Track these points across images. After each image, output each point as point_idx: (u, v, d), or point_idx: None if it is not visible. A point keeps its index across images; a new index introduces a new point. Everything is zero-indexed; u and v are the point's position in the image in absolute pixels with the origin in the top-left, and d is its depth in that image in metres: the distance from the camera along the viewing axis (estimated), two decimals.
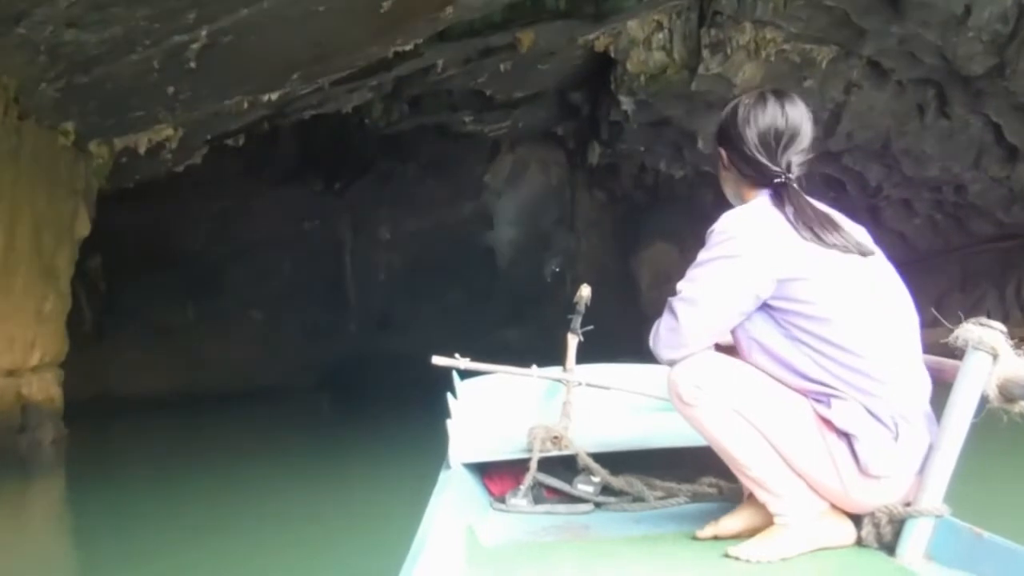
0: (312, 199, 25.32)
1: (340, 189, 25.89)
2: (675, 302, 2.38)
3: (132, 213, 21.83)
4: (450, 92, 18.19)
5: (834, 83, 16.01)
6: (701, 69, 15.54)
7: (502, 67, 16.22)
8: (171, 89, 11.30)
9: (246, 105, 13.01)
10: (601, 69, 17.04)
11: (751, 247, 2.30)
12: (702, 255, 2.36)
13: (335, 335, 27.05)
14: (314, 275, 26.05)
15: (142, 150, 12.93)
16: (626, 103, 16.59)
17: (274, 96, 12.98)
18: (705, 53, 15.31)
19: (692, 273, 2.38)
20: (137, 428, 20.50)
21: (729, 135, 2.52)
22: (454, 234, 29.13)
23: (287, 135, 24.07)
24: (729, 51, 15.18)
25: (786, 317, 2.31)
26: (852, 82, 15.99)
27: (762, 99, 2.50)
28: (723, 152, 2.54)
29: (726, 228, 2.36)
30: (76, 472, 13.52)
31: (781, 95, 2.50)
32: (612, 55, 15.96)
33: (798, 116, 2.46)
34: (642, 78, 16.05)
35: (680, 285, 2.38)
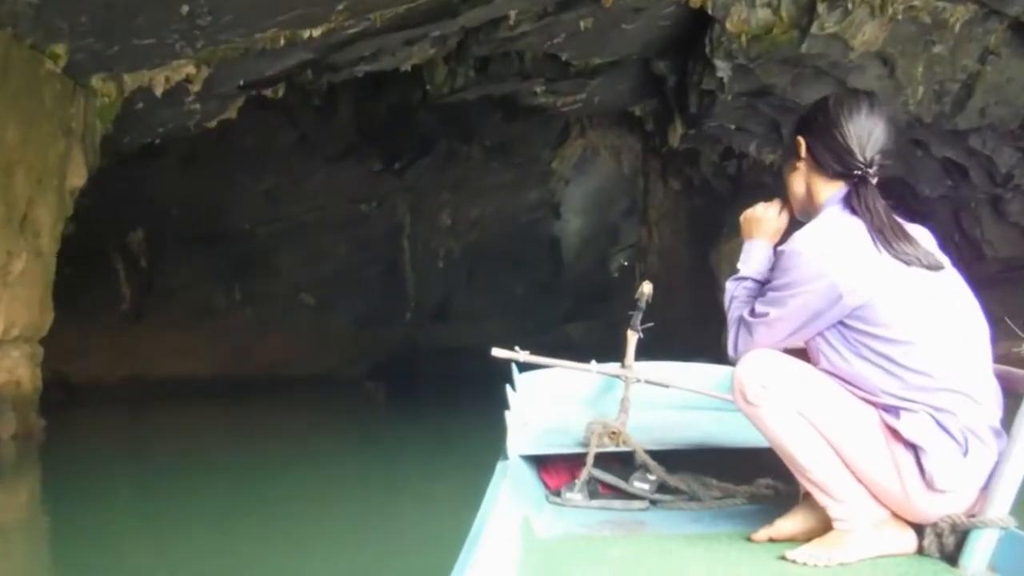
0: (370, 178, 23.11)
1: (400, 169, 23.63)
2: (752, 322, 2.31)
3: (177, 185, 19.81)
4: (521, 56, 15.81)
5: (968, 49, 13.31)
6: (814, 28, 12.96)
7: (582, 24, 13.80)
8: (185, 8, 9.02)
9: (282, 42, 10.68)
10: (693, 33, 14.57)
11: (827, 273, 2.18)
12: (778, 278, 2.27)
13: (389, 324, 24.86)
14: (369, 260, 23.85)
15: (159, 91, 10.65)
16: (722, 69, 14.08)
17: (316, 32, 10.64)
18: (821, 9, 12.73)
19: (770, 296, 2.28)
20: (168, 414, 18.54)
21: (815, 123, 2.36)
22: (518, 222, 26.85)
23: (345, 107, 21.92)
24: (850, 6, 12.61)
25: (858, 337, 2.21)
26: (989, 49, 13.28)
27: (854, 95, 2.39)
28: (803, 141, 2.37)
29: (802, 250, 2.22)
30: (39, 476, 11.35)
31: (873, 97, 2.39)
32: (709, 11, 13.45)
33: (886, 120, 2.33)
34: (743, 39, 13.51)
35: (758, 307, 2.30)
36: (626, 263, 28.50)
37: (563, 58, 15.56)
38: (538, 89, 16.87)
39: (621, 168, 27.44)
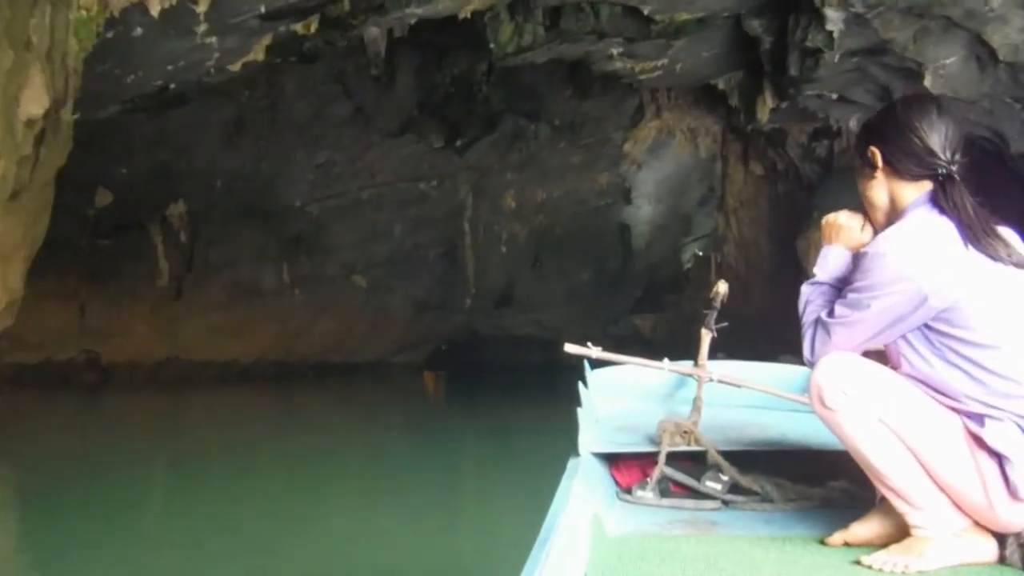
0: (430, 155, 21.11)
1: (462, 147, 21.57)
2: (832, 324, 2.19)
3: (223, 156, 17.96)
4: (596, 11, 13.57)
5: None
6: None
7: None
8: None
9: None
10: None
11: (912, 275, 2.08)
12: (860, 279, 2.15)
13: (448, 310, 22.89)
14: (428, 242, 21.88)
15: (155, 10, 8.59)
16: (833, 20, 11.71)
17: None
18: None
19: (851, 298, 2.16)
20: (207, 401, 16.85)
21: (886, 131, 2.24)
22: (586, 207, 24.69)
23: (404, 78, 19.90)
24: None
25: (943, 340, 2.11)
26: None
27: (920, 97, 2.36)
28: (876, 151, 2.23)
29: (887, 252, 2.11)
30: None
31: (935, 97, 2.37)
32: None
33: (955, 119, 2.23)
34: None
35: (838, 308, 2.18)
36: (700, 253, 26.15)
37: (645, 12, 13.30)
38: (614, 51, 14.60)
39: (697, 152, 25.10)
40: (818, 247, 2.42)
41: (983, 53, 11.77)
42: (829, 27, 12.00)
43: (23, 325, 16.27)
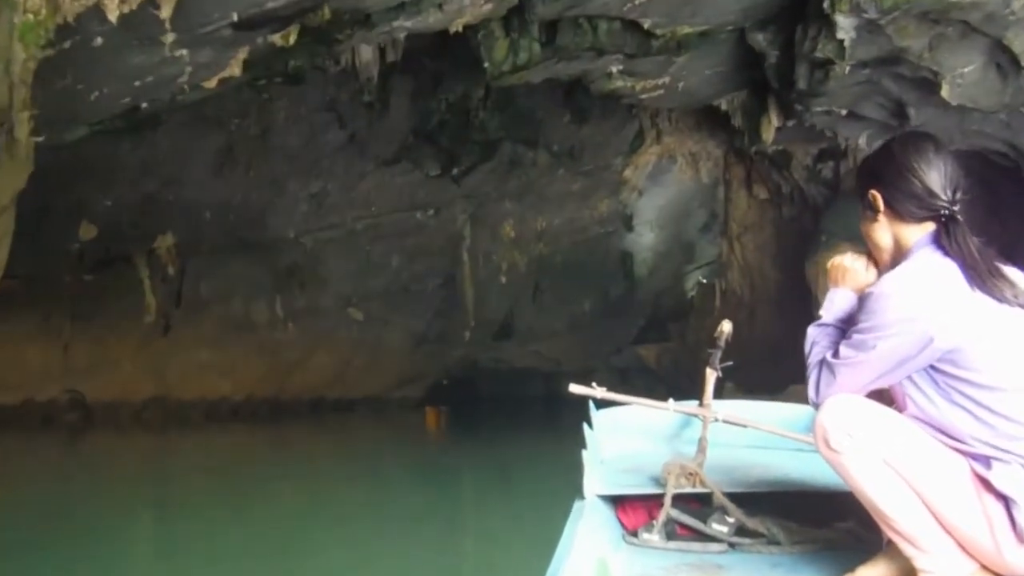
0: (426, 184, 20.44)
1: (459, 174, 20.90)
2: (837, 365, 2.14)
3: (212, 186, 17.25)
4: (595, 27, 12.89)
5: None
6: None
7: None
8: None
9: None
10: None
11: (918, 316, 2.03)
12: (865, 320, 2.09)
13: (447, 343, 22.13)
14: (425, 272, 21.15)
15: (114, 15, 7.78)
16: (844, 27, 10.99)
17: None
18: None
19: (856, 339, 2.10)
20: (196, 441, 16.00)
21: (885, 173, 2.19)
22: (587, 234, 23.99)
23: (399, 105, 19.23)
24: None
25: (949, 382, 2.06)
26: None
27: (916, 136, 2.25)
28: (877, 195, 2.18)
29: (892, 293, 2.06)
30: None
31: (930, 135, 2.25)
32: None
33: (952, 156, 2.18)
34: None
35: (843, 349, 2.13)
36: (704, 281, 25.36)
37: (645, 26, 12.63)
38: (614, 69, 13.92)
39: (699, 177, 24.41)
40: (826, 271, 2.32)
41: (1004, 60, 11.05)
42: (840, 35, 11.28)
43: (3, 364, 15.59)
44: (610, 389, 3.19)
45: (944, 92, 11.47)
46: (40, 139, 8.28)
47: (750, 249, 23.29)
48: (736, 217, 23.44)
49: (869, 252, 2.30)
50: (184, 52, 8.87)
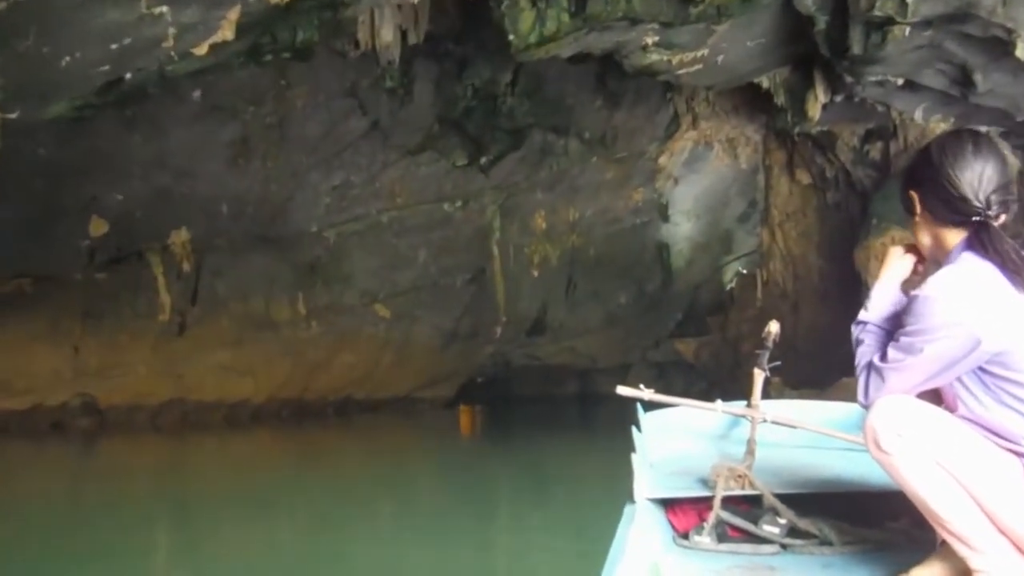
0: (453, 174, 19.40)
1: (487, 164, 19.82)
2: (884, 368, 2.12)
3: (228, 177, 16.30)
4: None
5: None
6: None
7: None
8: None
9: None
10: None
11: (965, 320, 2.01)
12: (912, 324, 2.08)
13: (477, 340, 21.09)
14: (454, 267, 20.09)
15: None
16: None
17: None
18: None
19: (904, 342, 2.10)
20: (215, 447, 15.12)
21: (921, 176, 2.19)
22: (621, 225, 22.91)
23: (422, 91, 18.19)
24: None
25: (998, 383, 2.06)
26: None
27: (956, 136, 2.19)
28: (916, 197, 2.20)
29: (938, 297, 2.04)
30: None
31: (976, 133, 2.19)
32: None
33: (996, 155, 2.12)
34: None
35: (891, 352, 2.11)
36: (744, 271, 24.08)
37: None
38: (649, 40, 12.74)
39: (737, 163, 23.26)
40: (880, 256, 1.60)
41: None
42: None
43: (11, 369, 14.72)
44: (648, 386, 3.12)
45: (1019, 51, 10.21)
46: (12, 116, 7.23)
47: (792, 237, 21.99)
48: (777, 204, 22.15)
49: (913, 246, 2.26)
50: (164, 9, 7.79)
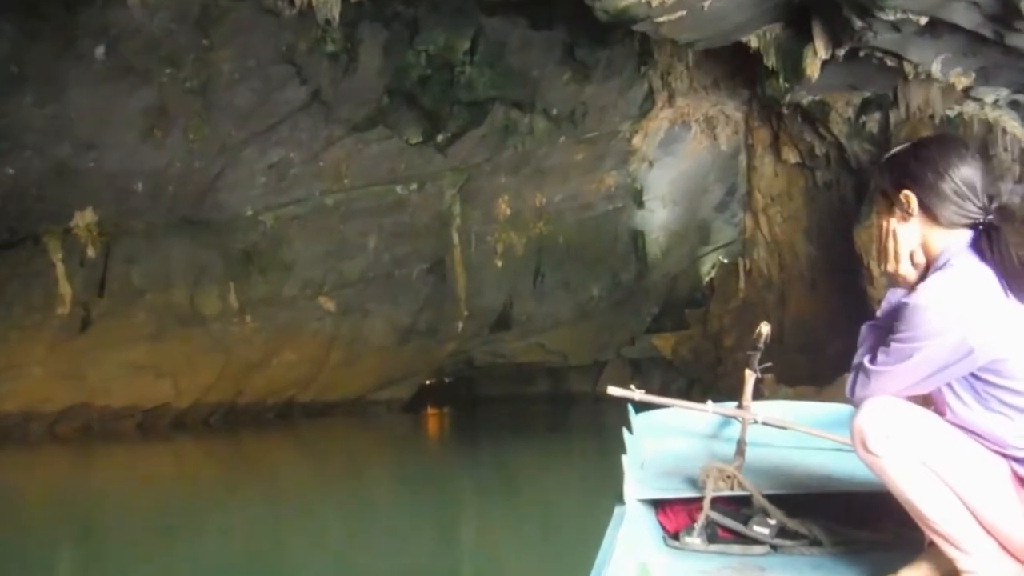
0: (407, 153, 17.14)
1: (444, 142, 17.52)
2: (873, 371, 2.08)
3: (144, 151, 13.83)
4: None
5: None
6: None
7: None
8: None
9: None
10: None
11: (956, 328, 1.97)
12: (904, 331, 2.02)
13: (437, 337, 18.90)
14: (409, 256, 17.88)
15: None
16: None
17: None
18: None
19: (893, 347, 2.05)
20: (126, 459, 12.79)
21: (921, 174, 2.08)
22: (593, 212, 20.81)
23: (369, 58, 15.77)
24: None
25: (988, 390, 2.02)
26: None
27: (953, 141, 2.15)
28: (911, 195, 2.08)
29: (929, 304, 1.99)
30: None
31: (964, 140, 2.29)
32: None
33: (982, 162, 2.10)
34: None
35: (880, 356, 2.07)
36: (726, 260, 21.84)
37: None
38: None
39: (717, 145, 20.99)
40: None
41: None
42: None
43: None
44: (623, 384, 3.08)
45: None
46: None
47: (778, 222, 19.75)
48: (761, 187, 19.90)
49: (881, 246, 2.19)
50: None
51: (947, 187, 2.03)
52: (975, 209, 2.02)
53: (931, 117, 15.07)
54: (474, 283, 18.94)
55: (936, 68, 11.64)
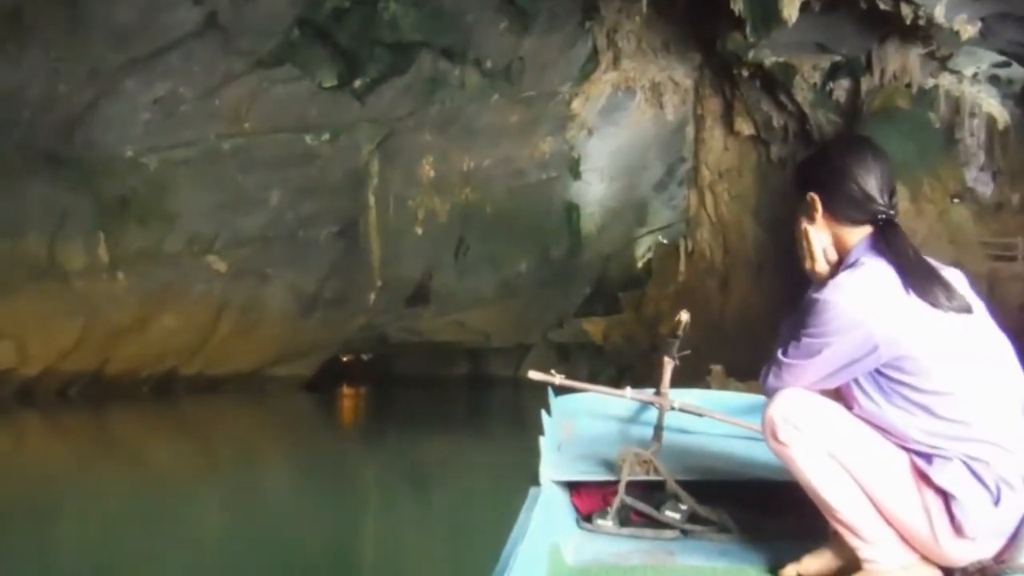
0: (320, 97, 14.96)
1: (363, 89, 15.35)
2: (784, 364, 1.93)
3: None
4: None
5: None
6: None
7: None
8: None
9: None
10: None
11: (862, 323, 1.83)
12: (811, 326, 1.87)
13: (346, 308, 16.99)
14: (317, 215, 15.73)
15: None
16: None
17: None
18: None
19: (803, 343, 1.90)
20: None
21: (824, 177, 1.96)
22: (525, 180, 18.97)
23: None
24: None
25: (894, 386, 1.86)
26: None
27: (856, 141, 2.05)
28: (816, 197, 1.94)
29: (836, 300, 1.85)
30: None
31: (869, 139, 2.04)
32: None
33: (888, 159, 1.98)
34: None
35: (790, 350, 1.91)
36: (665, 241, 19.97)
37: None
38: None
39: (663, 115, 19.15)
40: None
41: None
42: None
43: None
44: (549, 370, 2.91)
45: None
46: None
47: (725, 200, 17.98)
48: (709, 162, 18.10)
49: (801, 249, 2.03)
50: None
51: (846, 187, 1.88)
52: (874, 207, 1.89)
53: (908, 86, 13.37)
54: (390, 251, 16.80)
55: (939, 12, 9.83)
